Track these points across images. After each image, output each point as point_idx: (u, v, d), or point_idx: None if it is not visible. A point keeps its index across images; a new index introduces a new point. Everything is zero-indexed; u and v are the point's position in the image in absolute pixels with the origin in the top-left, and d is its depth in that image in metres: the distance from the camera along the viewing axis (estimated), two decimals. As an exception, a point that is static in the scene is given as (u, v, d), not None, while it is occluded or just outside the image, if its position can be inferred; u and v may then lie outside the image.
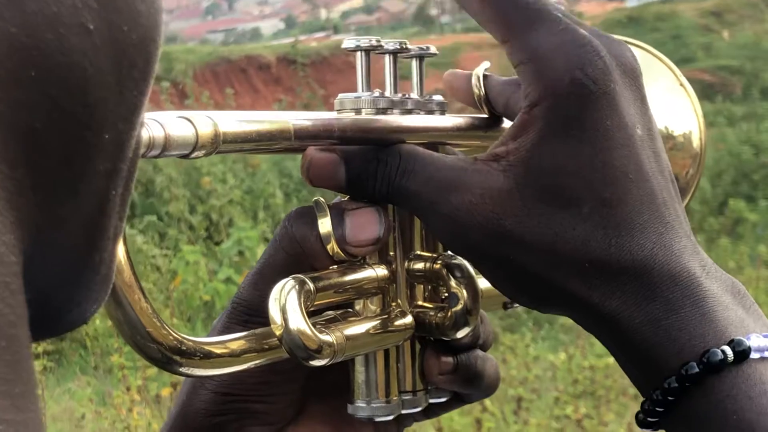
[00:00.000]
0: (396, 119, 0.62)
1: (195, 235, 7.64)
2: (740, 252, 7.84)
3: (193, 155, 0.52)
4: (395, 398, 0.64)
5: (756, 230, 9.27)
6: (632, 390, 5.17)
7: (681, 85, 0.73)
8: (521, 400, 4.88)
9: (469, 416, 4.70)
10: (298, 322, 0.55)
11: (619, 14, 21.61)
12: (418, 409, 0.65)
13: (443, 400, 0.67)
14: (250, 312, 0.61)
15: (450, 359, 0.64)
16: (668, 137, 0.72)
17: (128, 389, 4.74)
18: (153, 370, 5.20)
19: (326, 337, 0.56)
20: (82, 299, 0.39)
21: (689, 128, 0.73)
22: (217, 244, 7.57)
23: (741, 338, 0.52)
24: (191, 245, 7.19)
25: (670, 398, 0.53)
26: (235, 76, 15.11)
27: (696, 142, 0.73)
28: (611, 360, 5.76)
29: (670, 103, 0.71)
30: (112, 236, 0.39)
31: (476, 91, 0.64)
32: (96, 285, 0.39)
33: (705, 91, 14.02)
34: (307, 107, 14.30)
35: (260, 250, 7.14)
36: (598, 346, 5.72)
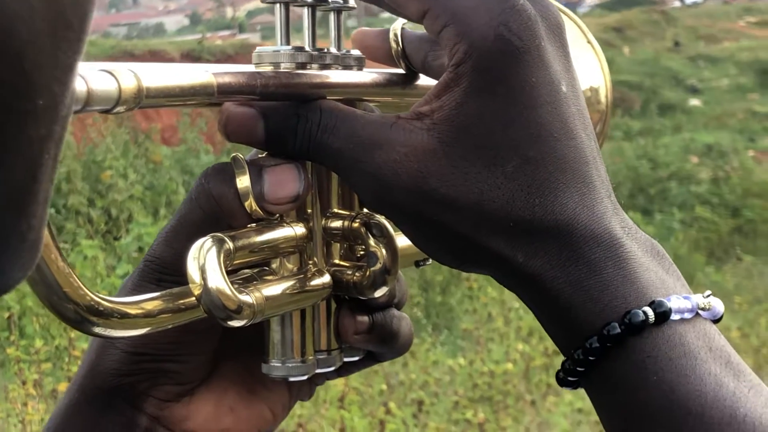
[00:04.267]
0: (317, 74, 0.61)
1: (94, 230, 7.48)
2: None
3: (115, 110, 0.50)
4: (311, 358, 0.63)
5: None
6: (529, 396, 5.23)
7: (588, 42, 0.73)
8: (422, 404, 4.90)
9: (372, 418, 4.70)
10: (218, 281, 0.54)
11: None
12: (333, 369, 0.65)
13: (357, 358, 0.67)
14: (163, 270, 0.60)
15: (366, 318, 0.63)
16: None
17: (24, 383, 4.63)
18: (49, 365, 5.08)
19: (245, 298, 0.55)
20: (6, 267, 0.36)
21: (597, 84, 0.73)
22: (117, 239, 7.43)
23: (662, 300, 0.53)
24: (90, 239, 7.05)
25: (590, 358, 0.53)
26: (139, 72, 14.83)
27: (602, 99, 0.74)
28: (509, 366, 5.79)
29: (577, 59, 0.72)
30: (42, 201, 0.36)
31: (394, 45, 0.63)
32: (23, 252, 0.36)
33: (605, 105, 14.22)
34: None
35: (160, 247, 7.04)
36: (496, 353, 5.79)
